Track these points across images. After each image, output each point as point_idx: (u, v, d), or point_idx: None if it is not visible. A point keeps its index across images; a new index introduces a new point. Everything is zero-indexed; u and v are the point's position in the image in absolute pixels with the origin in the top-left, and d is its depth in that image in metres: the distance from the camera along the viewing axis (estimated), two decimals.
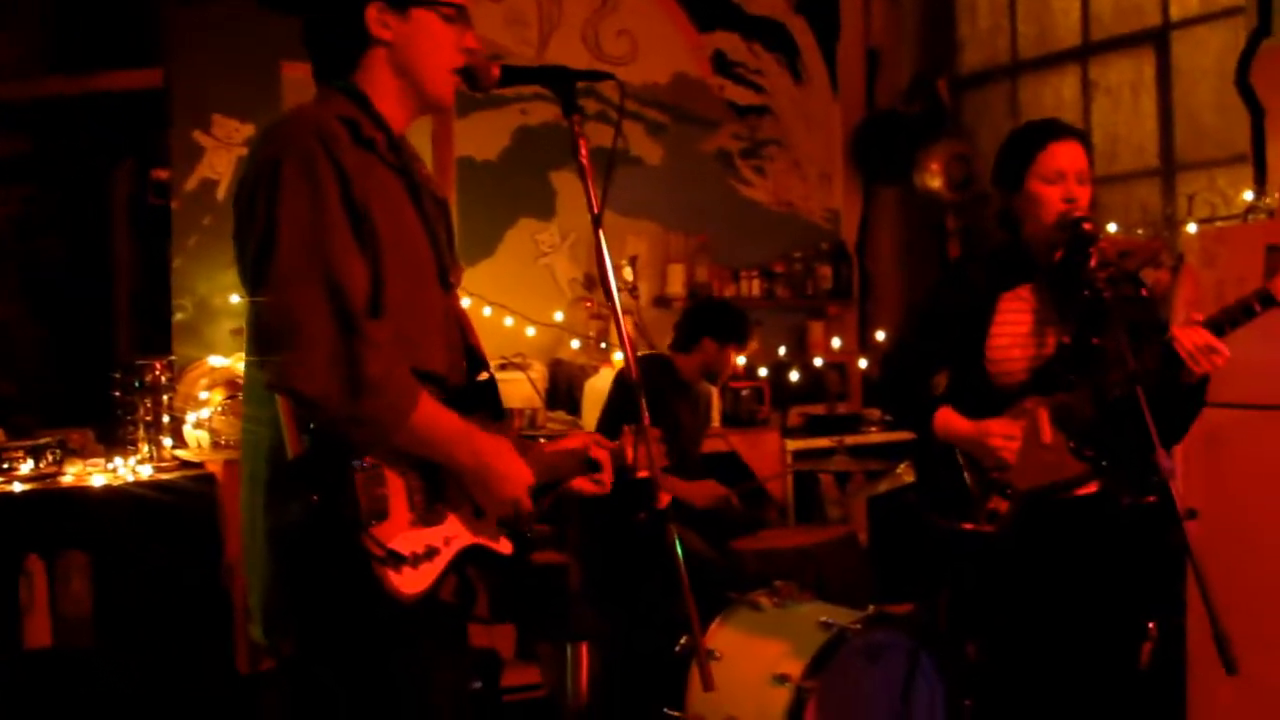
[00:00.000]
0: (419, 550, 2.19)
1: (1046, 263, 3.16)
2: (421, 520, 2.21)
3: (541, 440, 2.62)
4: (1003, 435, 3.06)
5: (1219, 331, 2.93)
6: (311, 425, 2.09)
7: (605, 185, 2.29)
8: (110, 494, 4.55)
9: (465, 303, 5.74)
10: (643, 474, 2.52)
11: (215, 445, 5.01)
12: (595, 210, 2.30)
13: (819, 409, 6.83)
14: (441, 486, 2.26)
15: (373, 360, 2.09)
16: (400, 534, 2.15)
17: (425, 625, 2.23)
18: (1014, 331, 3.17)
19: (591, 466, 2.58)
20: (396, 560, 2.13)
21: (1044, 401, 3.09)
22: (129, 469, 4.71)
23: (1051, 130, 3.16)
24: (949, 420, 3.16)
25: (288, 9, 5.53)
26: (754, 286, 6.94)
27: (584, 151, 2.34)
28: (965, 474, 3.14)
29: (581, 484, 2.59)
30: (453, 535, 2.27)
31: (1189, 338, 2.91)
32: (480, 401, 2.39)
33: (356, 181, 2.17)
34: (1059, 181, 3.09)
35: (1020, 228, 3.21)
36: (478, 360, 2.46)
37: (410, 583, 2.15)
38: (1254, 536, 4.09)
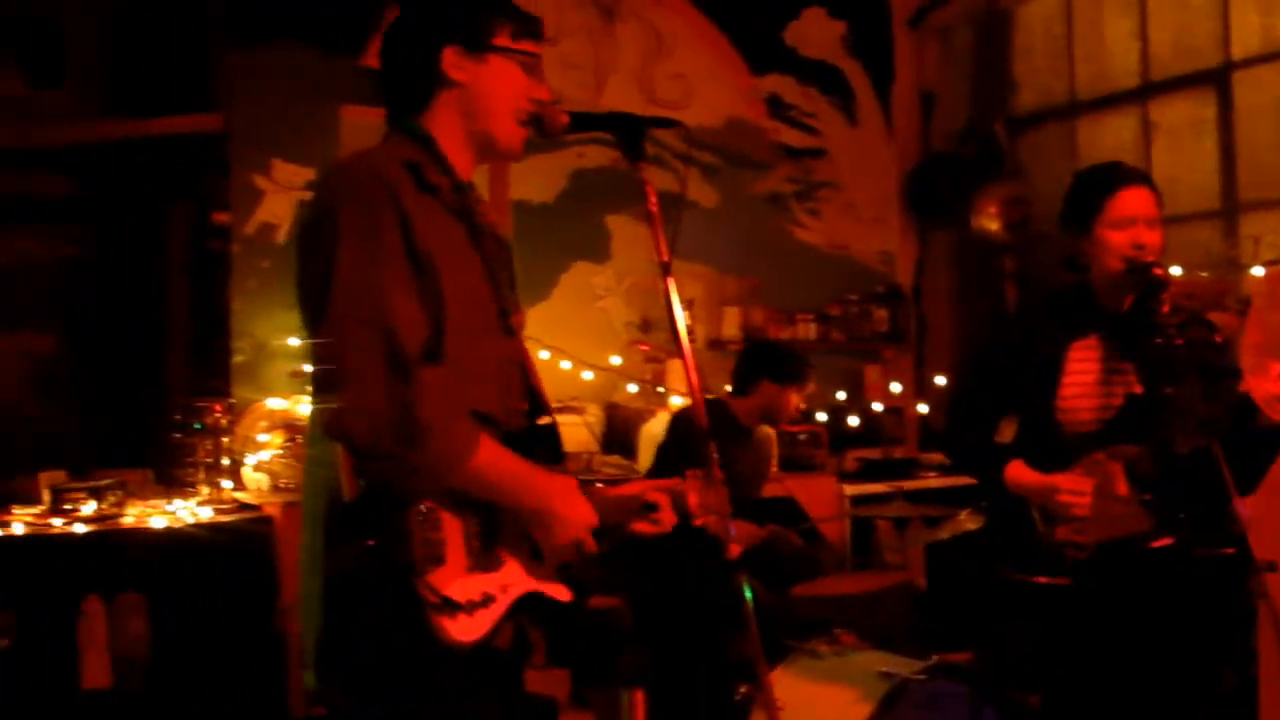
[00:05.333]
0: (475, 597, 2.15)
1: (1115, 310, 3.12)
2: (478, 565, 2.18)
3: (598, 484, 2.58)
4: (1072, 490, 3.02)
5: None
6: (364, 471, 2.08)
7: (673, 236, 2.27)
8: (169, 536, 4.56)
9: None
10: (702, 521, 2.48)
11: (274, 488, 5.02)
12: (664, 258, 2.28)
13: (875, 453, 6.77)
14: (499, 530, 2.23)
15: (427, 406, 2.06)
16: (456, 580, 2.12)
17: (480, 674, 2.19)
18: (1083, 381, 3.13)
19: (648, 508, 2.51)
20: (452, 607, 2.09)
21: (1116, 453, 3.04)
22: (189, 511, 4.72)
23: (1120, 175, 3.14)
24: (1018, 473, 3.13)
25: (353, 53, 5.61)
26: (809, 329, 6.90)
27: (653, 199, 2.32)
28: (1037, 526, 3.09)
29: (640, 526, 2.51)
30: (510, 582, 2.23)
31: (1263, 389, 2.84)
32: (539, 445, 2.36)
33: (418, 227, 2.15)
34: (1128, 227, 3.06)
35: (1088, 273, 3.17)
36: (539, 404, 2.43)
37: (466, 630, 2.11)
38: None
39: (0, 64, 6.36)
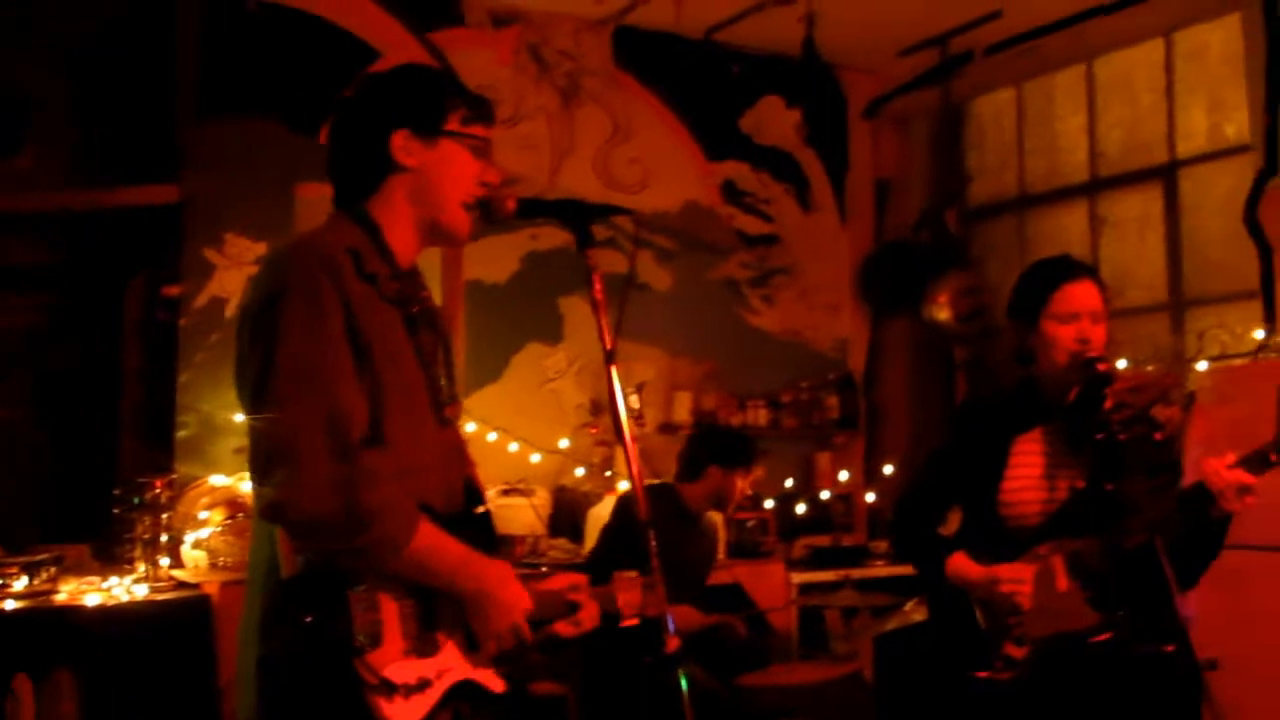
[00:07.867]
0: (411, 681, 2.14)
1: (1060, 404, 3.13)
2: (415, 650, 2.17)
3: (524, 577, 2.54)
4: (1012, 580, 3.00)
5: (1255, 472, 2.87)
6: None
7: (619, 318, 2.27)
8: (104, 613, 4.47)
9: (470, 427, 5.76)
10: (630, 622, 2.46)
11: (213, 566, 4.93)
12: (608, 346, 2.28)
13: (824, 541, 6.74)
14: (436, 613, 2.21)
15: (369, 490, 2.07)
16: (393, 662, 2.11)
17: None
18: (1027, 474, 3.12)
19: (571, 608, 2.48)
20: (389, 689, 2.08)
21: (1058, 548, 3.03)
22: (124, 589, 4.63)
23: (1065, 270, 3.15)
24: (960, 565, 3.11)
25: (312, 131, 5.60)
26: (760, 415, 6.90)
27: (598, 287, 2.32)
28: (979, 620, 3.07)
29: (561, 627, 2.47)
30: (446, 668, 2.22)
31: (1224, 476, 2.84)
32: (474, 534, 2.34)
33: (358, 313, 2.16)
34: (1072, 321, 3.07)
35: (1035, 366, 3.18)
36: (475, 493, 2.42)
37: (402, 714, 2.10)
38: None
39: None
